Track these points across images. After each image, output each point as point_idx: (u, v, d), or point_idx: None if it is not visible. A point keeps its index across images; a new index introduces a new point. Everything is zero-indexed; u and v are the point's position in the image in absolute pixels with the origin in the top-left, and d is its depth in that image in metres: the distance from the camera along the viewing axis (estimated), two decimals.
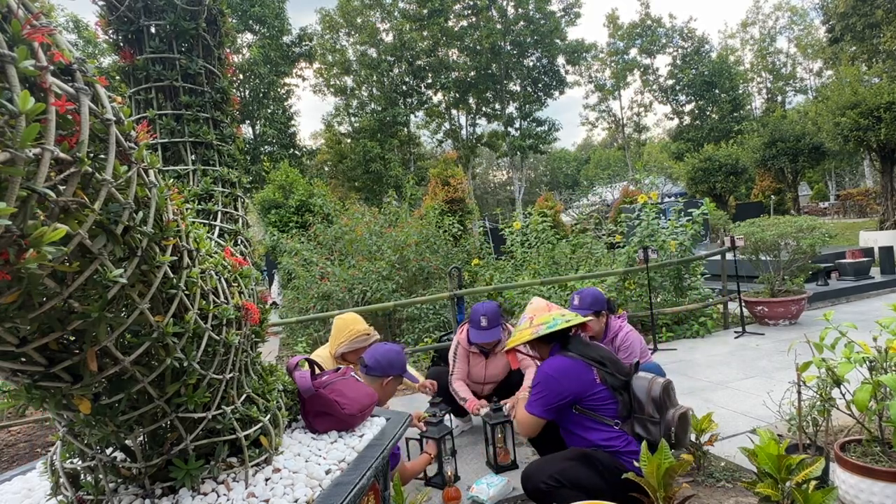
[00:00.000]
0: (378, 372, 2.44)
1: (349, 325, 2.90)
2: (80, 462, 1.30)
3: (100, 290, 0.92)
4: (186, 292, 1.15)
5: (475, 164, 40.13)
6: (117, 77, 1.68)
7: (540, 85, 30.54)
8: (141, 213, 0.98)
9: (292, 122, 28.33)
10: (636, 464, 1.95)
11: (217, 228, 1.65)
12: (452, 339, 3.49)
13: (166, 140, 1.67)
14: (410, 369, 2.67)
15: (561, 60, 31.09)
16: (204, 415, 1.28)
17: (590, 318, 3.02)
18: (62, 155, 0.79)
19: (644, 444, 1.96)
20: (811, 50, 34.58)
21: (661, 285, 6.21)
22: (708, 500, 2.35)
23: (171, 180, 1.62)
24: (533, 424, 2.21)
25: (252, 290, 1.55)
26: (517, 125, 30.48)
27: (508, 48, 29.05)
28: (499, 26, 28.58)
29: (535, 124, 30.15)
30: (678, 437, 2.04)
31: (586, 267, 6.78)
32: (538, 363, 2.39)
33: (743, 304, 5.77)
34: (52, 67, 0.81)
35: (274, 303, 9.60)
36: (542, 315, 2.32)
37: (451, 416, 3.05)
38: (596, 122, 39.33)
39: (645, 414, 2.10)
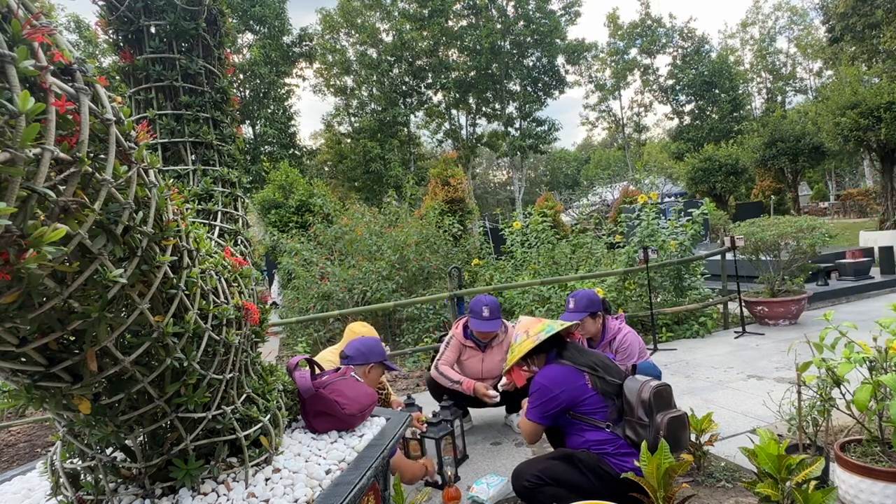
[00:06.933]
0: (360, 360, 2.54)
1: None
2: (80, 462, 1.30)
3: (100, 290, 0.92)
4: (186, 292, 1.15)
5: (475, 164, 40.15)
6: (117, 77, 1.68)
7: (540, 85, 30.53)
8: (141, 213, 0.98)
9: (292, 122, 28.33)
10: (636, 463, 1.96)
11: (217, 228, 1.65)
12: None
13: (166, 140, 1.67)
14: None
15: (561, 60, 31.09)
16: (204, 415, 1.28)
17: (579, 321, 3.03)
18: (62, 155, 0.79)
19: (644, 444, 1.97)
20: (811, 50, 34.54)
21: (661, 285, 6.21)
22: (708, 500, 2.35)
23: (171, 180, 1.61)
24: (534, 430, 2.30)
25: (252, 290, 1.55)
26: (517, 125, 30.47)
27: (508, 48, 29.03)
28: (499, 26, 28.57)
29: (535, 124, 30.14)
30: (667, 442, 2.02)
31: (586, 267, 6.78)
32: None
33: (743, 304, 5.77)
34: (52, 67, 0.81)
35: (274, 303, 9.59)
36: (536, 326, 2.38)
37: (460, 419, 3.02)
38: (596, 122, 39.38)
39: (634, 417, 2.12)
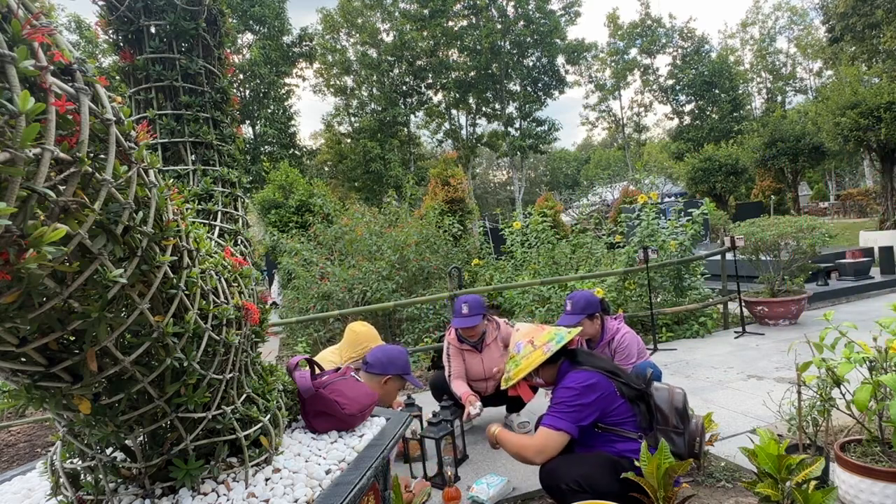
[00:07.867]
0: (377, 369, 2.39)
1: (362, 342, 2.87)
2: (80, 462, 1.30)
3: (100, 290, 0.92)
4: (186, 292, 1.15)
5: (475, 164, 40.16)
6: (117, 77, 1.68)
7: (540, 85, 30.55)
8: (141, 213, 0.98)
9: (292, 122, 28.35)
10: (636, 463, 1.95)
11: (217, 228, 1.65)
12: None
13: (166, 140, 1.67)
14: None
15: (561, 60, 31.11)
16: (204, 415, 1.28)
17: (581, 326, 3.02)
18: (62, 155, 0.79)
19: (643, 443, 1.96)
20: (811, 50, 34.56)
21: (661, 285, 6.21)
22: (708, 500, 2.35)
23: (171, 180, 1.61)
24: (558, 444, 2.04)
25: (252, 290, 1.55)
26: (517, 125, 30.49)
27: (508, 48, 29.05)
28: (499, 26, 28.59)
29: (535, 124, 30.16)
30: (702, 447, 2.04)
31: (586, 267, 6.78)
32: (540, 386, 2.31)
33: (743, 304, 5.77)
34: (52, 67, 0.81)
35: (274, 303, 9.60)
36: (541, 335, 2.20)
37: (460, 419, 3.01)
38: (596, 122, 39.42)
39: (669, 425, 2.07)
